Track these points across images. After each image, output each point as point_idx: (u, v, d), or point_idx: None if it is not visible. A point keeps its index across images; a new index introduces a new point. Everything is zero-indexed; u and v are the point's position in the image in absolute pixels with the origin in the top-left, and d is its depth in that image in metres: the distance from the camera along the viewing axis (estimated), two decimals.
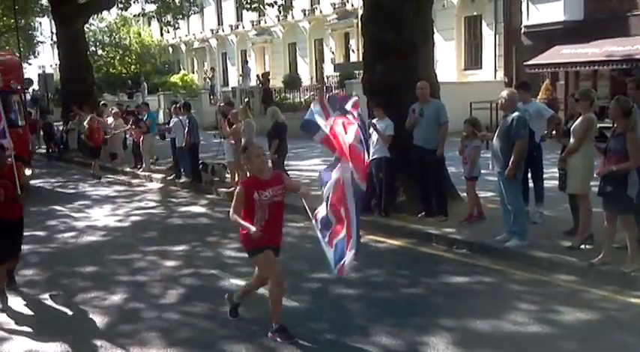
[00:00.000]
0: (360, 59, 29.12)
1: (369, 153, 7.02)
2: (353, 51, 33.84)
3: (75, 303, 7.20)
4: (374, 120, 9.98)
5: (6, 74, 14.12)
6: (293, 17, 36.12)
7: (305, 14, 36.33)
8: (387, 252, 8.87)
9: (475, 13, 26.80)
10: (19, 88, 14.98)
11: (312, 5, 35.89)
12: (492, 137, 8.45)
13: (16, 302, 7.27)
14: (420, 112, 9.60)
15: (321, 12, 35.57)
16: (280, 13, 27.31)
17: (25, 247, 8.26)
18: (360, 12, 30.03)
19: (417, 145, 9.64)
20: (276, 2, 23.04)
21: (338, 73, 30.31)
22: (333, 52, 35.40)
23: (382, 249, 8.98)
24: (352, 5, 33.08)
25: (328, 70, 34.80)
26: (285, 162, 12.96)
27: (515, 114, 8.00)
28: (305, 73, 37.32)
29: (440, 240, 8.85)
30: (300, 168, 16.21)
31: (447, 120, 9.55)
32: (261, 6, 23.69)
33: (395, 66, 10.22)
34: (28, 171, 11.57)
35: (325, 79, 33.36)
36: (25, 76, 18.63)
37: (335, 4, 34.21)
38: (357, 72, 25.80)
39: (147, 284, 7.76)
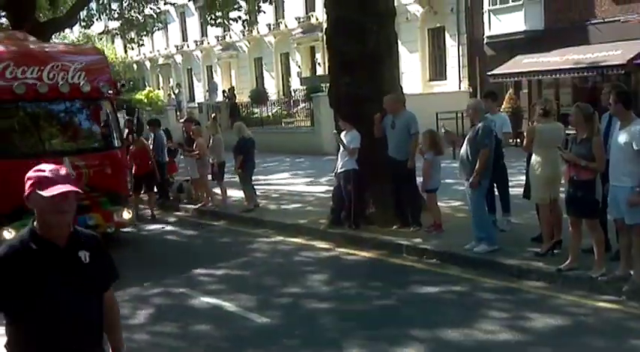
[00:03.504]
0: (326, 72, 29.33)
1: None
2: (319, 64, 33.95)
3: None
4: (341, 134, 10.00)
5: (92, 75, 10.17)
6: (258, 32, 36.15)
7: (270, 29, 36.39)
8: (357, 264, 8.85)
9: (438, 25, 27.11)
10: (110, 92, 10.57)
11: (276, 20, 35.96)
12: (460, 144, 8.53)
13: None
14: (391, 124, 9.65)
15: (286, 26, 35.66)
16: (245, 28, 27.28)
17: None
18: (325, 26, 30.35)
19: (389, 156, 9.68)
20: (240, 17, 23.00)
21: (304, 87, 30.38)
22: (299, 66, 35.50)
23: (353, 262, 8.96)
24: (317, 19, 33.24)
25: (295, 83, 34.88)
26: (254, 177, 12.90)
27: (481, 123, 8.10)
28: (272, 87, 37.33)
29: (410, 250, 8.87)
30: (269, 182, 16.16)
31: (418, 131, 9.60)
32: (225, 21, 23.61)
33: (360, 78, 10.26)
34: (126, 215, 10.32)
35: (292, 93, 33.41)
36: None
37: (300, 19, 34.33)
38: (323, 85, 25.89)
39: None
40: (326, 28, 11.54)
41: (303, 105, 28.85)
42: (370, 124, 9.86)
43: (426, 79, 27.95)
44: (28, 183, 2.84)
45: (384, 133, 9.75)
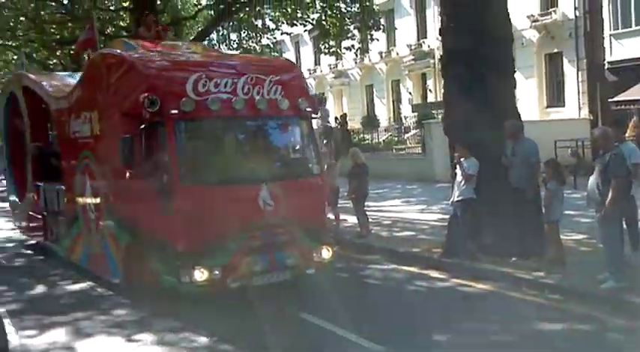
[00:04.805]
0: (438, 99, 29.02)
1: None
2: (430, 91, 33.80)
3: None
4: (461, 159, 9.81)
5: (289, 89, 8.78)
6: (370, 60, 36.49)
7: (381, 56, 36.63)
8: (474, 296, 8.59)
9: (556, 50, 26.32)
10: (308, 110, 9.04)
11: (388, 47, 36.17)
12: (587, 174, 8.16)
13: None
14: (511, 151, 9.42)
15: (397, 54, 35.80)
16: (357, 56, 27.63)
17: None
18: (437, 53, 30.28)
19: (509, 185, 9.41)
20: (353, 46, 23.33)
21: (415, 114, 30.26)
22: (410, 93, 35.44)
23: (469, 294, 8.70)
24: (428, 46, 33.15)
25: (406, 110, 34.82)
26: (366, 203, 12.90)
27: (612, 152, 7.74)
28: (382, 113, 37.46)
29: (530, 284, 8.50)
30: (381, 209, 16.10)
31: (539, 160, 9.29)
32: (338, 50, 24.04)
33: (476, 105, 10.06)
34: (325, 253, 8.68)
35: (403, 119, 33.36)
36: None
37: (411, 46, 34.37)
38: (434, 112, 25.71)
39: None
40: (441, 56, 11.45)
41: (414, 131, 28.73)
42: (485, 151, 9.64)
43: (542, 106, 27.12)
44: None
45: (504, 162, 9.52)
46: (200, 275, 7.63)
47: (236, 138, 8.89)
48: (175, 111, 7.84)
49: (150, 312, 8.14)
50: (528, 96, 26.18)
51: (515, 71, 10.76)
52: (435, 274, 9.70)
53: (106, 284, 9.53)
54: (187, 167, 7.99)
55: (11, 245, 14.10)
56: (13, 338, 7.39)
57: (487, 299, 8.43)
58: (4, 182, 29.92)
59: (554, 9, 26.71)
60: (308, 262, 8.47)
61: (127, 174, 8.34)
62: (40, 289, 10.17)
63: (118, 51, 9.66)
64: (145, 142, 8.05)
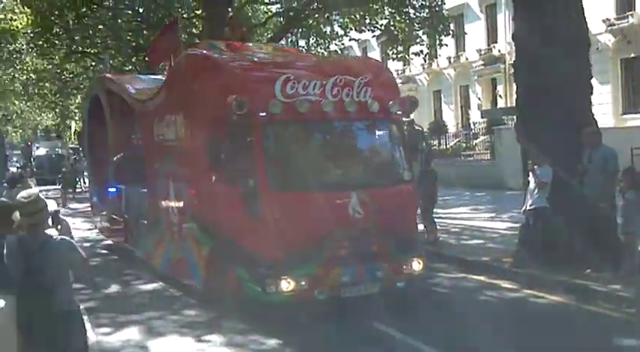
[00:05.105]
0: (508, 105, 28.44)
1: None
2: (500, 96, 33.18)
3: None
4: (535, 167, 9.57)
5: (379, 91, 8.34)
6: (438, 65, 36.14)
7: (450, 61, 36.22)
8: (546, 308, 8.36)
9: (633, 55, 25.41)
10: (399, 113, 8.67)
11: (457, 52, 35.72)
12: None
13: None
14: (588, 158, 9.15)
15: (466, 59, 35.31)
16: (425, 61, 27.39)
17: None
18: (508, 58, 29.69)
19: (585, 194, 9.14)
20: (422, 51, 23.16)
21: (484, 119, 29.74)
22: (479, 98, 34.90)
23: (541, 305, 8.47)
24: (499, 51, 32.58)
25: (474, 116, 34.29)
26: (434, 210, 12.75)
27: None
28: (450, 119, 37.00)
29: (606, 297, 8.21)
30: (449, 216, 15.89)
31: (618, 169, 8.99)
32: (406, 56, 23.90)
33: (550, 111, 9.81)
34: (416, 265, 8.21)
35: (471, 125, 32.85)
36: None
37: (481, 51, 33.84)
38: (504, 117, 25.21)
39: None
40: (513, 60, 11.22)
41: (483, 137, 28.25)
42: (560, 158, 9.39)
43: (618, 112, 26.20)
44: None
45: (580, 169, 9.26)
46: (286, 285, 7.34)
47: (325, 142, 8.62)
48: (263, 114, 7.60)
49: (219, 313, 8.27)
50: (603, 102, 25.33)
51: (592, 77, 10.45)
52: (505, 284, 9.49)
53: (177, 285, 9.75)
54: (275, 172, 7.73)
55: (87, 245, 14.59)
56: (90, 335, 7.65)
57: (561, 312, 8.19)
58: (81, 184, 31.21)
59: (630, 12, 25.83)
60: (398, 274, 8.06)
61: (213, 178, 8.22)
62: (114, 288, 10.50)
63: (205, 51, 9.51)
64: (231, 145, 7.94)
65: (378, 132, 8.89)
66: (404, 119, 9.04)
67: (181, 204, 9.45)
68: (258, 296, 7.56)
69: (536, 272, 9.44)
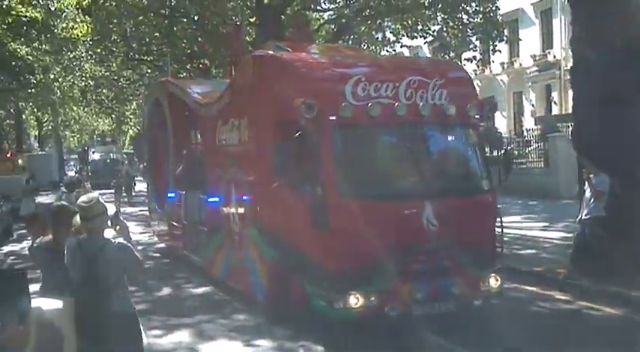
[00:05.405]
0: (564, 112, 27.74)
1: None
2: (555, 103, 32.51)
3: None
4: (590, 176, 9.34)
5: (456, 95, 7.82)
6: (491, 71, 35.64)
7: (503, 67, 35.68)
8: (602, 321, 8.14)
9: None
10: (477, 117, 8.17)
11: (511, 58, 35.17)
12: None
13: None
14: None
15: (520, 65, 34.73)
16: (478, 67, 27.04)
17: None
18: (564, 63, 29.06)
19: None
20: (475, 57, 22.88)
21: (538, 126, 29.14)
22: (533, 105, 34.28)
23: (596, 318, 8.26)
24: (554, 57, 31.94)
25: (528, 122, 33.68)
26: None
27: None
28: (502, 126, 36.40)
29: None
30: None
31: None
32: (459, 61, 23.64)
33: (608, 119, 9.56)
34: (493, 282, 7.70)
35: (524, 132, 32.26)
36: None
37: (535, 56, 33.24)
38: (559, 125, 24.66)
39: None
40: (571, 67, 10.99)
41: (537, 145, 27.69)
42: (618, 168, 9.14)
43: None
44: None
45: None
46: (355, 301, 6.92)
47: (397, 148, 8.11)
48: (333, 118, 7.24)
49: (268, 319, 8.32)
50: None
51: None
52: (558, 295, 9.29)
53: (227, 289, 9.85)
54: (345, 179, 7.26)
55: (140, 248, 14.82)
56: (143, 337, 7.80)
57: (617, 325, 7.96)
58: (136, 188, 31.85)
59: None
60: (474, 292, 7.52)
61: (278, 185, 7.77)
62: (166, 291, 10.69)
63: (272, 52, 9.13)
64: (299, 151, 7.41)
65: (454, 138, 8.43)
66: (481, 124, 8.48)
67: (243, 211, 9.11)
68: (325, 311, 7.19)
69: (591, 283, 9.22)
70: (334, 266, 7.08)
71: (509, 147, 28.99)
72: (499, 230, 8.00)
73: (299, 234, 7.59)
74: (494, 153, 10.57)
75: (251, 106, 8.92)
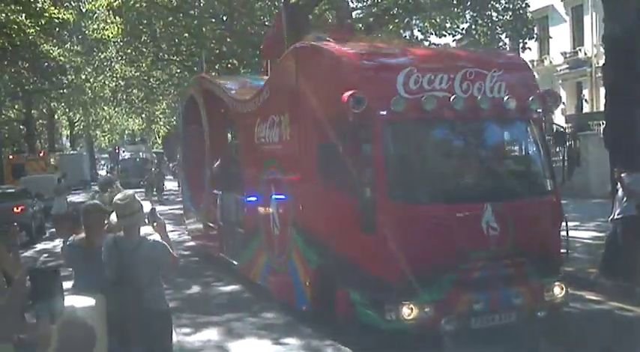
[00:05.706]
0: (595, 110, 27.29)
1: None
2: (586, 101, 32.04)
3: None
4: (622, 175, 9.19)
5: (516, 87, 7.30)
6: None
7: (533, 65, 35.21)
8: (634, 322, 8.01)
9: None
10: (539, 111, 7.60)
11: (540, 55, 34.75)
12: None
13: None
14: None
15: (550, 62, 34.30)
16: None
17: None
18: (595, 61, 28.60)
19: None
20: None
21: (569, 124, 28.76)
22: (563, 103, 33.81)
23: (628, 319, 8.14)
24: (585, 54, 31.47)
25: (558, 120, 33.25)
26: None
27: None
28: None
29: None
30: None
31: None
32: None
33: None
34: (557, 291, 7.19)
35: (554, 130, 31.90)
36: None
37: (566, 53, 32.79)
38: (590, 123, 24.31)
39: None
40: (603, 64, 10.83)
41: (568, 143, 27.31)
42: None
43: None
44: None
45: None
46: (408, 312, 6.46)
47: (454, 145, 7.55)
48: (385, 112, 6.70)
49: (296, 317, 8.35)
50: None
51: None
52: (590, 296, 9.16)
53: (255, 287, 9.90)
54: (398, 179, 6.82)
55: None
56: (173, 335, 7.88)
57: None
58: (166, 186, 32.17)
59: None
60: (538, 302, 6.99)
61: (323, 186, 7.35)
62: (195, 289, 10.79)
63: (316, 43, 8.39)
64: (347, 149, 6.90)
65: (514, 134, 7.85)
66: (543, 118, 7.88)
67: (285, 213, 8.60)
68: (375, 322, 6.72)
69: (622, 283, 9.09)
70: (385, 275, 6.61)
71: (572, 144, 28.44)
72: (564, 233, 7.53)
73: (346, 239, 7.08)
74: (557, 149, 9.92)
75: (293, 102, 8.32)
